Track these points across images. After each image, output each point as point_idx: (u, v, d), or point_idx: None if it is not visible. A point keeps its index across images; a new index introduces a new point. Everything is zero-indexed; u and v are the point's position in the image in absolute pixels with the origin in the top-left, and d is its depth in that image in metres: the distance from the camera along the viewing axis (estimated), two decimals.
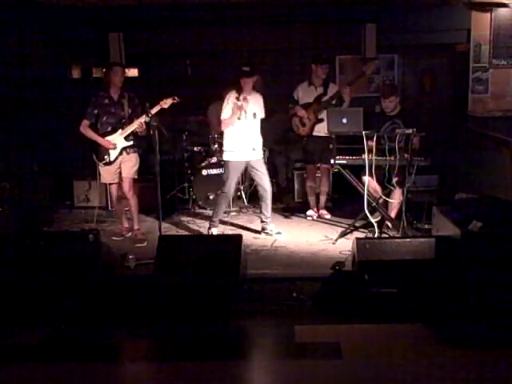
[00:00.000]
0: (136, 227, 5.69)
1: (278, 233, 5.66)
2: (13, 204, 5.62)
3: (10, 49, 6.41)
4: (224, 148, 5.60)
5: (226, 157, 5.58)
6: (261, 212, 5.72)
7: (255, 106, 5.46)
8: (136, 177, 5.68)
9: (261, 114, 5.55)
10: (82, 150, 6.42)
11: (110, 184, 5.70)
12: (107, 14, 7.00)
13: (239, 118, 5.38)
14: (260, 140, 5.59)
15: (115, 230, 5.87)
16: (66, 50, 7.47)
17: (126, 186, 5.60)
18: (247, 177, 6.60)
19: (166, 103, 5.28)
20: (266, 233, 5.68)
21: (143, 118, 5.28)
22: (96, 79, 7.81)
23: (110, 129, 5.49)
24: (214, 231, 5.64)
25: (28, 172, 6.60)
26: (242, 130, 5.45)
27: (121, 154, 5.52)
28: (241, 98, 5.32)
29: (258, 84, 5.49)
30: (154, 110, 5.27)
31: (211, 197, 6.61)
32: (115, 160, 5.52)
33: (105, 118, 5.49)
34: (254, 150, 5.48)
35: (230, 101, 5.42)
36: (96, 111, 5.49)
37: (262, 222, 5.72)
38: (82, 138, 5.68)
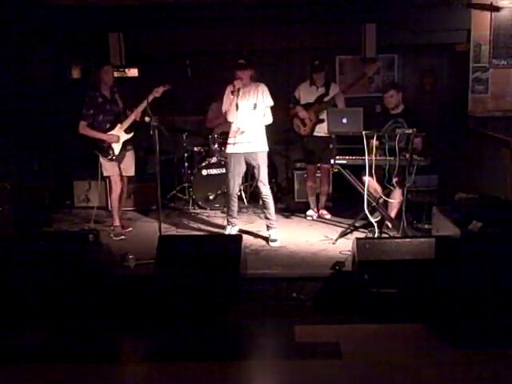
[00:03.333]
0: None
1: (272, 241, 5.44)
2: (13, 204, 5.61)
3: (10, 49, 6.41)
4: (228, 141, 5.50)
5: (227, 150, 5.50)
6: (265, 217, 5.57)
7: (254, 97, 5.36)
8: (133, 174, 5.87)
9: (265, 103, 5.39)
10: (82, 150, 6.42)
11: (113, 177, 5.73)
12: (107, 13, 7.00)
13: (238, 109, 5.28)
14: (260, 132, 5.42)
15: (117, 231, 5.84)
16: (66, 50, 7.47)
17: (125, 183, 5.82)
18: (248, 177, 6.59)
19: (158, 92, 5.37)
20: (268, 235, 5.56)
21: (139, 110, 5.42)
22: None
23: (108, 126, 5.58)
24: (234, 231, 5.57)
25: (28, 172, 6.60)
26: (239, 123, 5.35)
27: (123, 148, 5.64)
28: (234, 90, 5.25)
29: (254, 78, 5.41)
30: (149, 100, 5.33)
31: (211, 197, 6.62)
32: (120, 154, 5.63)
33: (101, 117, 5.57)
34: (249, 142, 5.36)
35: (228, 93, 5.38)
36: (91, 111, 5.55)
37: (267, 226, 5.57)
38: (82, 137, 5.69)
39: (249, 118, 5.36)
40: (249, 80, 5.34)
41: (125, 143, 5.64)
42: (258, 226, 5.87)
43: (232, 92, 5.28)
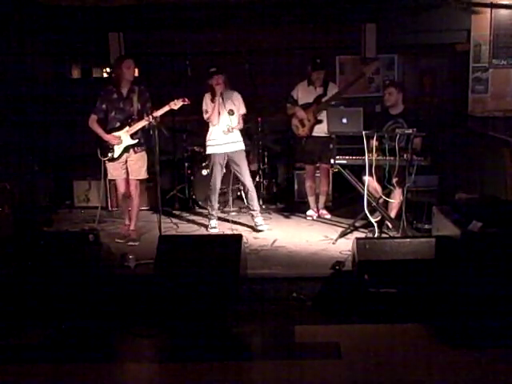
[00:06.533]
0: (132, 228, 5.65)
1: (261, 225, 5.85)
2: (13, 204, 5.61)
3: (10, 49, 6.41)
4: (207, 143, 5.86)
5: (208, 150, 5.87)
6: (250, 209, 5.95)
7: (231, 103, 5.73)
8: (146, 176, 5.66)
9: (240, 110, 5.81)
10: (82, 149, 6.43)
11: (116, 180, 5.64)
12: (107, 14, 7.00)
13: (219, 114, 5.69)
14: (237, 133, 5.82)
15: (117, 231, 5.83)
16: (66, 50, 7.47)
17: (133, 186, 5.58)
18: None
19: (176, 104, 5.27)
20: (255, 225, 5.87)
21: (149, 119, 5.25)
22: (96, 79, 7.83)
23: (118, 125, 5.42)
24: (213, 223, 5.86)
25: (28, 172, 6.60)
26: (219, 126, 5.73)
27: (126, 151, 5.46)
28: (215, 99, 5.65)
29: (228, 84, 5.73)
30: (163, 110, 5.27)
31: None
32: (120, 157, 5.47)
33: (113, 114, 5.42)
34: (229, 143, 5.75)
35: (206, 102, 5.76)
36: (104, 106, 5.41)
37: (251, 216, 5.94)
38: (82, 137, 5.68)
39: (228, 121, 5.72)
40: (224, 86, 5.67)
41: (129, 147, 5.45)
42: None
43: (212, 100, 5.69)
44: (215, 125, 5.73)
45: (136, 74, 7.53)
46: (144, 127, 5.40)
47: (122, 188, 5.64)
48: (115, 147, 5.43)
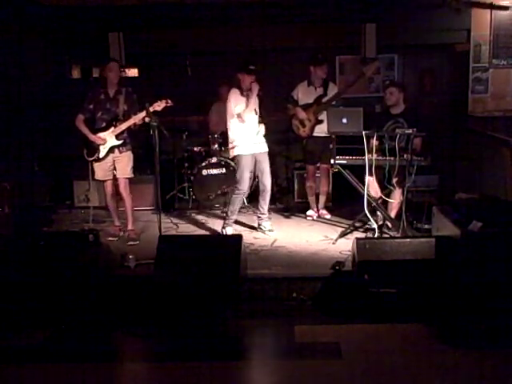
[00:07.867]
0: (130, 227, 5.67)
1: (270, 230, 5.73)
2: (13, 204, 5.61)
3: (10, 49, 6.41)
4: (234, 143, 5.61)
5: (236, 151, 5.61)
6: (257, 208, 5.83)
7: (255, 103, 5.59)
8: (132, 175, 5.67)
9: (258, 111, 5.68)
10: (81, 149, 6.41)
11: (103, 181, 5.67)
12: (107, 14, 7.00)
13: (250, 111, 5.52)
14: (262, 135, 5.73)
15: (111, 231, 5.84)
16: (66, 50, 7.47)
17: (122, 185, 5.61)
18: None
19: (160, 106, 5.29)
20: (260, 229, 5.78)
21: (137, 119, 5.30)
22: (96, 79, 7.82)
23: (103, 125, 5.48)
24: (229, 230, 5.65)
25: (28, 172, 6.60)
26: (248, 125, 5.56)
27: (111, 151, 5.50)
28: (244, 92, 5.48)
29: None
30: (148, 111, 5.27)
31: (211, 197, 6.62)
32: (105, 157, 5.51)
33: (99, 114, 5.49)
34: (258, 143, 5.63)
35: (236, 97, 5.51)
36: (91, 106, 5.49)
37: (258, 217, 5.82)
38: (80, 136, 5.68)
39: (255, 120, 5.61)
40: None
41: (114, 147, 5.48)
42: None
43: (241, 93, 5.48)
44: (245, 122, 5.53)
45: (136, 74, 7.62)
46: (130, 128, 5.44)
47: (109, 189, 5.67)
48: (100, 147, 5.48)
